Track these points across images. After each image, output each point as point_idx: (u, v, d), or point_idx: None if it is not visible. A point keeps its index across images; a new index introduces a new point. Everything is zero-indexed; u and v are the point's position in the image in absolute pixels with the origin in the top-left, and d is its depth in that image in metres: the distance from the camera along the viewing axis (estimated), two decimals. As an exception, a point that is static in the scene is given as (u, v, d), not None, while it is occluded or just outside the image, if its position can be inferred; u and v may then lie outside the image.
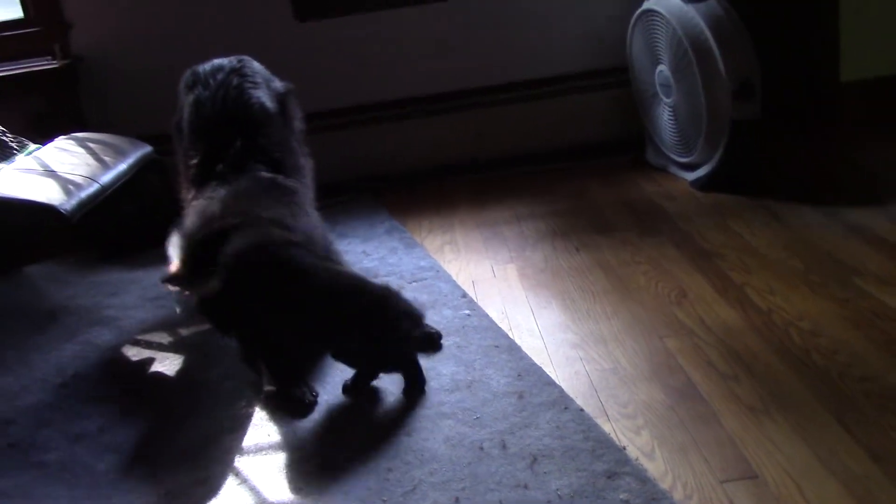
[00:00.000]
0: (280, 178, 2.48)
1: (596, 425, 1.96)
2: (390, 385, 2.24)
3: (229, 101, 2.56)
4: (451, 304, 2.66)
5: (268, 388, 2.30)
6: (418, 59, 3.90)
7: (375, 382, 2.25)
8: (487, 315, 2.56)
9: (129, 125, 3.55)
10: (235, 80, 2.60)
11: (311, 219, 2.48)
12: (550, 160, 3.94)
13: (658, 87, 3.51)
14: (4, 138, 3.03)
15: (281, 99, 2.73)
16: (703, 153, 3.33)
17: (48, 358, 2.68)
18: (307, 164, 2.73)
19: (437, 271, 2.92)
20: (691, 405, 2.00)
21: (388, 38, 3.87)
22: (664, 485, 1.74)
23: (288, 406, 2.21)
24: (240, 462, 2.02)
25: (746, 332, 2.30)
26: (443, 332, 2.46)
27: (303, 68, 3.88)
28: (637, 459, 1.83)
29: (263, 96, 2.64)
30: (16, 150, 3.02)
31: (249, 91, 2.60)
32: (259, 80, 2.69)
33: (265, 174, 2.46)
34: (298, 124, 2.79)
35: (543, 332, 2.44)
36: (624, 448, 1.87)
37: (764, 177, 3.40)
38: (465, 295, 2.71)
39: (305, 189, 2.59)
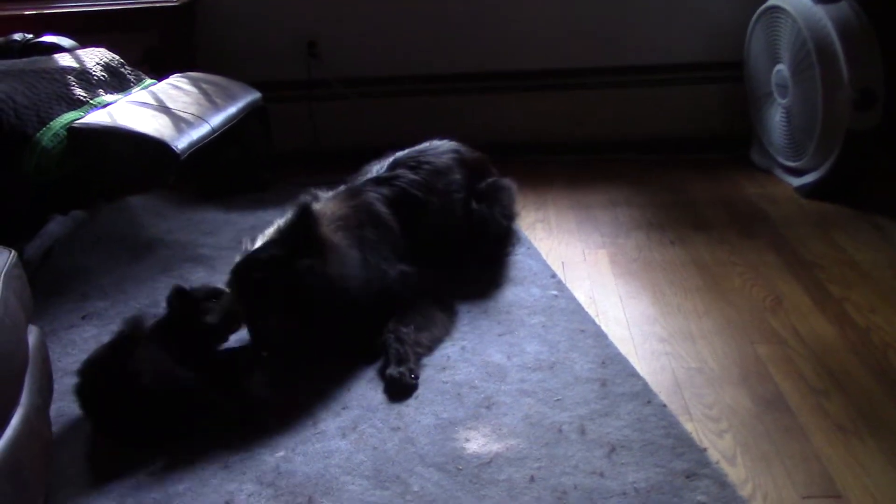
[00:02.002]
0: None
1: (678, 423, 1.94)
2: (472, 356, 2.25)
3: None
4: (539, 282, 2.65)
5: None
6: (531, 32, 3.86)
7: (456, 352, 2.27)
8: (575, 298, 2.55)
9: (238, 69, 3.59)
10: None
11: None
12: (652, 149, 3.87)
13: (773, 87, 3.41)
14: (123, 70, 3.11)
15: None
16: (812, 159, 3.23)
17: (142, 288, 2.76)
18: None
19: (528, 248, 2.91)
20: (778, 416, 1.96)
21: (506, 9, 3.84)
22: (743, 492, 1.72)
23: (390, 387, 2.14)
24: (316, 409, 2.06)
25: (842, 349, 2.23)
26: (529, 311, 2.47)
27: (419, 30, 3.89)
28: (718, 463, 1.80)
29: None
30: (132, 82, 3.09)
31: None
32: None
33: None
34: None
35: (631, 323, 2.42)
36: (705, 450, 1.85)
37: (873, 190, 3.28)
38: (554, 275, 2.70)
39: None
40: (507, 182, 2.93)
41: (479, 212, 2.76)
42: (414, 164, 2.70)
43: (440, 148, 2.84)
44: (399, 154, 2.77)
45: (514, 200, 2.93)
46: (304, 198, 2.36)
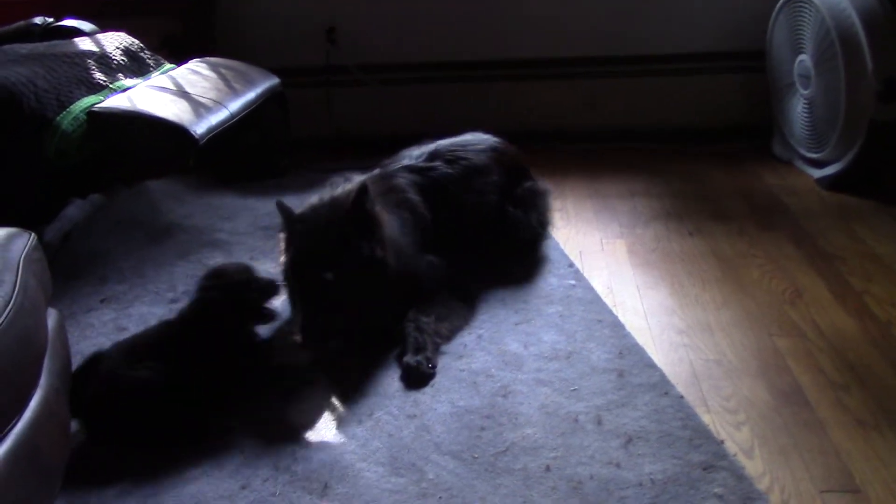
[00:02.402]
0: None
1: (695, 415, 1.92)
2: (489, 345, 2.25)
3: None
4: (556, 272, 2.64)
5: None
6: (548, 20, 3.84)
7: (472, 341, 2.27)
8: (592, 288, 2.54)
9: (257, 55, 3.59)
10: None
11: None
12: (671, 139, 3.85)
13: (796, 78, 3.37)
14: (142, 55, 3.11)
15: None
16: (834, 151, 3.20)
17: (160, 272, 2.77)
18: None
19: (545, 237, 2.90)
20: (797, 409, 1.95)
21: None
22: (761, 485, 1.71)
23: (406, 374, 2.14)
24: (334, 401, 2.07)
25: (862, 342, 2.21)
26: (547, 300, 2.46)
27: (437, 18, 3.87)
28: (735, 455, 1.79)
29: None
30: (152, 67, 3.09)
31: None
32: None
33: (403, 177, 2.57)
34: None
35: (648, 313, 2.41)
36: (722, 442, 1.83)
37: (895, 182, 3.25)
38: (571, 265, 2.69)
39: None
40: (544, 186, 2.89)
41: (514, 215, 2.72)
42: (451, 157, 2.66)
43: (480, 145, 2.78)
44: (441, 143, 2.73)
45: (549, 207, 2.88)
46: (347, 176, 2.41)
